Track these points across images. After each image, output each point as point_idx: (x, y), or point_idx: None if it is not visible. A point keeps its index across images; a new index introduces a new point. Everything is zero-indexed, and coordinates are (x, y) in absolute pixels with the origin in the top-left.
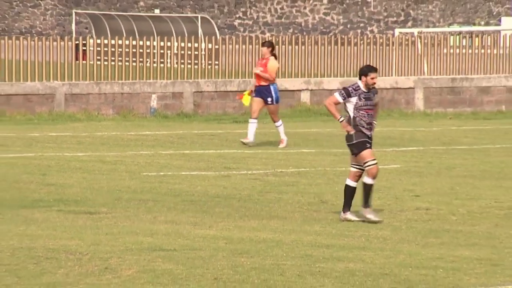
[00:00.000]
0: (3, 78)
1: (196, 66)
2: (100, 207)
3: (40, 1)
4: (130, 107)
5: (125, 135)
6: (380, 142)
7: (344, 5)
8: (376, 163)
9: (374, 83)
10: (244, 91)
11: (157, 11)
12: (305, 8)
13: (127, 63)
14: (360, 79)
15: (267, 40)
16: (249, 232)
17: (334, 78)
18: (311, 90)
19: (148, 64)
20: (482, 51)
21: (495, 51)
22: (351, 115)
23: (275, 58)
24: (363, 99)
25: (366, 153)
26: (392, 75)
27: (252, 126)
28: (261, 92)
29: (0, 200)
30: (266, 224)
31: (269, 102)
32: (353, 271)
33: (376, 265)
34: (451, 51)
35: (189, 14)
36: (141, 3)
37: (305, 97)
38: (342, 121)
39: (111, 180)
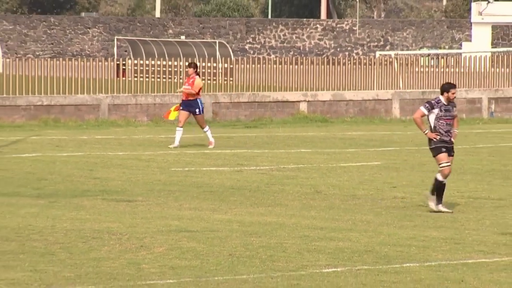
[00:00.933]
0: (59, 92)
1: (214, 82)
2: (136, 196)
3: (88, 29)
4: (161, 115)
5: (157, 138)
6: (364, 143)
7: (335, 32)
8: (449, 165)
9: (454, 97)
10: (173, 108)
11: (183, 37)
12: (303, 35)
13: (158, 79)
14: (442, 94)
15: (192, 62)
16: (258, 217)
17: (326, 92)
18: (308, 101)
19: (175, 80)
20: (447, 69)
21: (457, 70)
22: (432, 124)
23: (199, 76)
24: (444, 111)
25: (441, 156)
26: (374, 89)
27: (179, 133)
28: (190, 105)
29: (56, 191)
30: (272, 210)
31: (197, 113)
32: (342, 248)
33: (361, 243)
34: (422, 69)
35: (209, 40)
36: (170, 31)
37: (303, 107)
38: (426, 132)
39: (145, 174)
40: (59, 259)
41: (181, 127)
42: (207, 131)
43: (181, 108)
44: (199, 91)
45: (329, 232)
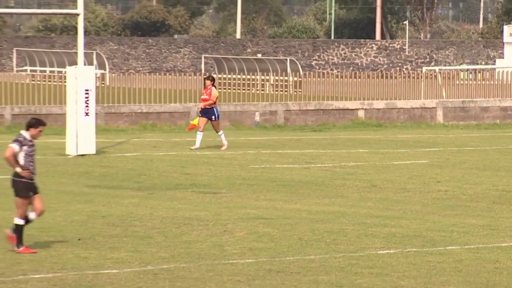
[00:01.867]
0: (155, 101)
1: (286, 93)
2: (220, 189)
3: (180, 48)
4: (241, 121)
5: (238, 140)
6: (413, 145)
7: (388, 51)
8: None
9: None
10: (194, 121)
11: (259, 55)
12: (360, 53)
13: (238, 91)
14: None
15: (210, 75)
16: (323, 207)
17: (381, 101)
18: (365, 109)
19: (253, 91)
20: (483, 82)
21: (491, 82)
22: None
23: (215, 87)
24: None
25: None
26: (420, 99)
27: (199, 137)
28: (207, 112)
29: (153, 184)
30: (334, 201)
31: (213, 119)
32: (394, 233)
33: (410, 229)
34: (461, 82)
35: (281, 57)
36: (249, 50)
37: (361, 113)
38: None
39: (228, 170)
40: (156, 242)
41: (202, 131)
42: (221, 135)
43: (200, 115)
44: (215, 100)
45: (383, 220)
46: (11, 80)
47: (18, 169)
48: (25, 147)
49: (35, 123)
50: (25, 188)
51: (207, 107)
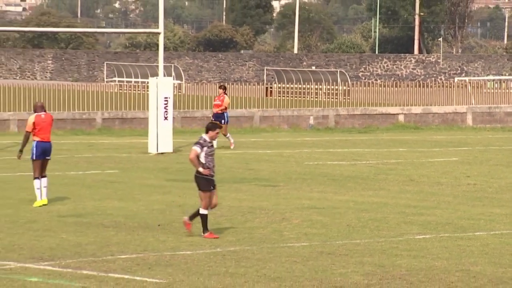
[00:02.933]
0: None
1: (336, 99)
2: (279, 183)
3: (245, 62)
4: (297, 124)
5: (294, 140)
6: (445, 144)
7: (424, 64)
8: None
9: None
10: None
11: (313, 67)
12: (401, 65)
13: (295, 98)
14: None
15: (223, 84)
16: (367, 198)
17: (418, 107)
18: (404, 113)
19: (308, 99)
20: (507, 90)
21: None
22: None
23: (227, 95)
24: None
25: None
26: (452, 105)
27: (231, 139)
28: (219, 116)
29: (222, 178)
30: (377, 193)
31: (222, 123)
32: (429, 221)
33: (443, 217)
34: (488, 91)
35: (332, 69)
36: (304, 63)
37: (401, 118)
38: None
39: (286, 167)
40: (224, 227)
41: (225, 134)
42: (228, 136)
43: (212, 119)
44: (227, 106)
45: (420, 209)
46: (102, 89)
47: (201, 169)
48: (205, 148)
49: (212, 126)
50: (206, 183)
51: (219, 112)
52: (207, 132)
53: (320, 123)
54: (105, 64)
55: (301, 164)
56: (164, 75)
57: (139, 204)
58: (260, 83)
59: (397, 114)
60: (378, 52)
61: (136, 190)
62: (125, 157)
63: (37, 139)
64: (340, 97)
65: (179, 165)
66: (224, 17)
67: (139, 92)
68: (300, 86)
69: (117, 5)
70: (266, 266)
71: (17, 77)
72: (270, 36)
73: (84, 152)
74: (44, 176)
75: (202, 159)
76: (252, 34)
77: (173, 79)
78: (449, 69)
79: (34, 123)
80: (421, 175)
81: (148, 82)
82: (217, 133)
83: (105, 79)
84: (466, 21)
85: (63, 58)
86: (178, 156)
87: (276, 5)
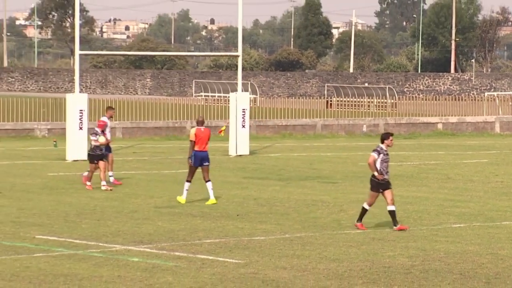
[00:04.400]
0: (293, 117)
1: (384, 111)
2: (338, 180)
3: (309, 79)
4: (353, 131)
5: (350, 145)
6: (477, 148)
7: (459, 81)
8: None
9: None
10: (222, 128)
11: (366, 84)
12: (439, 82)
13: (351, 110)
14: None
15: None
16: (411, 193)
17: (454, 117)
18: (443, 122)
19: (361, 110)
20: None
21: None
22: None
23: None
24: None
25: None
26: (483, 115)
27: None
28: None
29: (290, 176)
30: (420, 189)
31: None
32: (464, 212)
33: (475, 209)
34: None
35: (382, 86)
36: (358, 80)
37: (439, 126)
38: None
39: (343, 167)
40: (292, 217)
41: None
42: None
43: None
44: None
45: (456, 203)
46: (190, 102)
47: (376, 173)
48: (381, 155)
49: (386, 135)
50: (376, 185)
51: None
52: (382, 142)
53: (372, 130)
54: (193, 81)
55: (356, 165)
56: (242, 91)
57: (221, 198)
58: (322, 97)
59: (437, 123)
60: (420, 71)
61: (218, 186)
62: (209, 158)
63: (196, 148)
64: (389, 108)
65: (255, 165)
66: (292, 42)
67: (221, 105)
68: (355, 99)
69: (203, 33)
70: (326, 250)
71: (122, 93)
72: (330, 58)
73: (176, 154)
74: (209, 181)
75: (378, 165)
76: (315, 56)
77: (250, 94)
78: (480, 85)
79: (195, 134)
80: (457, 174)
81: (229, 97)
82: (391, 140)
83: (194, 94)
84: (494, 45)
85: (159, 77)
86: (253, 158)
87: (335, 32)
